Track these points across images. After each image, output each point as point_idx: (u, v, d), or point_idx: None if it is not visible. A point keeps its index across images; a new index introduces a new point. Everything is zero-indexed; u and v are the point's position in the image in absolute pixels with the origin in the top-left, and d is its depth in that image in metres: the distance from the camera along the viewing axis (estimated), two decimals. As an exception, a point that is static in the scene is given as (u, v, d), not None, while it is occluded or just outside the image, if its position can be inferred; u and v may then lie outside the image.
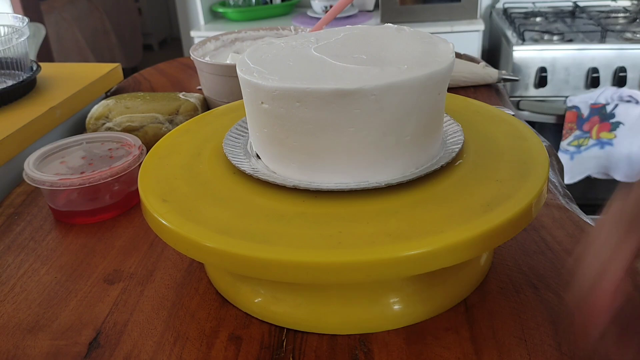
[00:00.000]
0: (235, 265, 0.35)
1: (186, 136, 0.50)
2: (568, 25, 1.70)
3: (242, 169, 0.42)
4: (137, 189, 0.57)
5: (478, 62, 0.89)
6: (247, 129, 0.47)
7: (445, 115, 0.47)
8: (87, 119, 0.70)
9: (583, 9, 1.80)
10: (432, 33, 0.45)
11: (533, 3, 1.89)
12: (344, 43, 0.44)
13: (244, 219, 0.38)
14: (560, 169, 0.69)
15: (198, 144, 0.48)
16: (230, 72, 0.71)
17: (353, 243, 0.35)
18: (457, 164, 0.42)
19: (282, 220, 0.37)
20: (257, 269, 0.35)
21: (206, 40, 0.82)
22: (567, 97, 1.54)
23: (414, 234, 0.35)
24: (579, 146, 1.55)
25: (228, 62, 0.78)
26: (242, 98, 0.44)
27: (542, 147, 0.44)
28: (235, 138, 0.47)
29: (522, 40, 1.56)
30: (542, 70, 1.53)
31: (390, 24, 0.47)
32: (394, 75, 0.37)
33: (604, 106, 1.49)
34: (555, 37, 1.56)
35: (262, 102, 0.40)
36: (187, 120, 0.68)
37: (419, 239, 0.34)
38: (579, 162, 1.56)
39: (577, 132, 1.54)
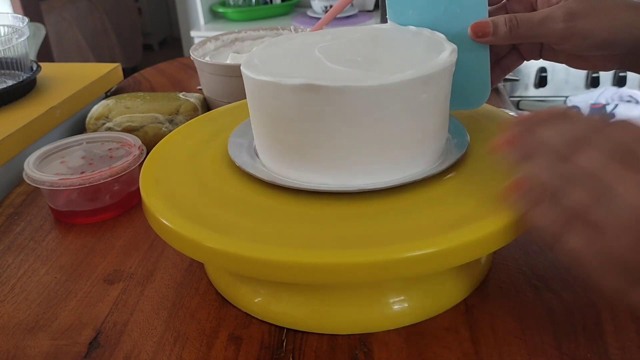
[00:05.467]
0: (237, 265, 0.35)
1: (188, 136, 0.50)
2: (568, 25, 1.70)
3: (248, 170, 0.42)
4: (137, 189, 0.58)
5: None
6: (250, 130, 0.47)
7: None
8: (87, 119, 0.70)
9: (583, 9, 1.80)
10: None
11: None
12: (348, 43, 0.44)
13: (246, 219, 0.38)
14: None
15: (200, 144, 0.48)
16: (230, 72, 0.71)
17: (355, 244, 0.35)
18: (461, 165, 0.42)
19: (283, 220, 0.37)
20: (258, 269, 0.35)
21: (206, 40, 0.82)
22: (567, 97, 1.54)
23: (416, 236, 0.35)
24: (579, 146, 1.55)
25: (228, 62, 0.78)
26: (242, 98, 0.44)
27: None
28: (240, 137, 0.47)
29: (522, 40, 1.56)
30: (542, 70, 1.52)
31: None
32: (394, 75, 0.37)
33: (604, 106, 1.49)
34: (555, 37, 1.56)
35: (270, 100, 0.39)
36: (187, 120, 0.68)
37: (422, 240, 0.34)
38: (579, 162, 1.55)
39: (577, 132, 1.54)
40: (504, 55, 0.46)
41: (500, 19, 0.41)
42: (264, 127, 0.42)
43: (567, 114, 0.34)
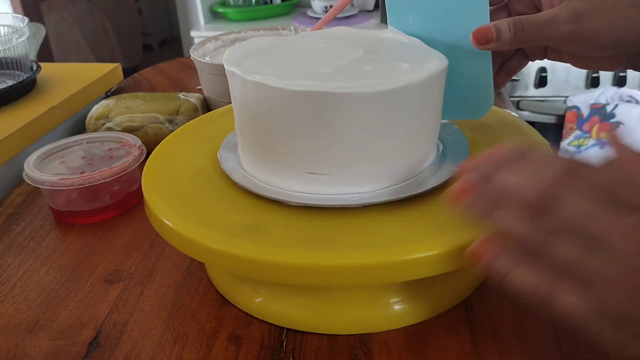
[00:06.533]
0: (239, 266, 0.35)
1: (190, 136, 0.50)
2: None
3: (243, 184, 0.41)
4: (137, 189, 0.58)
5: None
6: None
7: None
8: (87, 119, 0.70)
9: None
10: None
11: (533, 3, 1.89)
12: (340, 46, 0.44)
13: (248, 220, 0.38)
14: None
15: (201, 144, 0.48)
16: (230, 72, 0.71)
17: (355, 246, 0.35)
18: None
19: (285, 223, 0.37)
20: (259, 270, 0.35)
21: (206, 40, 0.82)
22: (567, 97, 1.54)
23: (416, 238, 0.35)
24: (579, 146, 1.55)
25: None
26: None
27: (547, 148, 0.44)
28: (231, 149, 0.47)
29: (522, 40, 1.56)
30: (542, 70, 1.53)
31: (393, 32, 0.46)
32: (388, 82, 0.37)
33: (604, 106, 1.49)
34: (555, 37, 1.56)
35: (264, 105, 0.39)
36: (187, 120, 0.68)
37: (421, 243, 0.34)
38: (579, 162, 1.55)
39: (577, 132, 1.54)
40: (509, 58, 0.45)
41: (504, 23, 0.38)
42: (251, 130, 0.41)
43: (526, 155, 0.30)
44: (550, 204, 0.28)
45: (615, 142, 0.31)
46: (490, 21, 0.40)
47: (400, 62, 0.39)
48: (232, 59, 0.41)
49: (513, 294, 0.29)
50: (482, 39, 0.38)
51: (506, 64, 0.46)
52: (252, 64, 0.40)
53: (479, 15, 0.40)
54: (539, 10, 0.41)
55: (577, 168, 0.29)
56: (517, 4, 0.43)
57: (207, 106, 0.76)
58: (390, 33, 0.45)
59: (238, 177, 0.42)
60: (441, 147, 0.45)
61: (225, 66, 0.41)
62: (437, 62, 0.39)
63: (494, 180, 0.30)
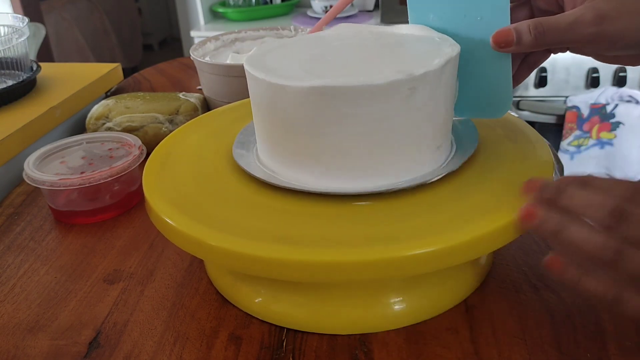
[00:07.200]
0: (239, 263, 0.36)
1: (189, 136, 0.50)
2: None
3: (251, 172, 0.41)
4: (137, 189, 0.58)
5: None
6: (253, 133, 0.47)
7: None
8: (87, 119, 0.70)
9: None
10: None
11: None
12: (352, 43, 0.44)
13: (248, 218, 0.38)
14: (560, 169, 0.69)
15: (201, 143, 0.48)
16: (230, 72, 0.71)
17: (356, 242, 0.35)
18: (462, 166, 0.42)
19: (285, 219, 0.37)
20: (259, 267, 0.35)
21: (206, 40, 0.82)
22: (567, 97, 1.54)
23: (416, 235, 0.35)
24: (579, 146, 1.55)
25: (228, 62, 0.78)
26: (242, 98, 0.44)
27: (546, 148, 0.44)
28: (245, 138, 0.47)
29: (522, 40, 1.55)
30: (542, 70, 1.52)
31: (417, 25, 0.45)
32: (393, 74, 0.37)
33: (604, 106, 1.49)
34: (555, 37, 1.55)
35: (276, 102, 0.39)
36: (187, 120, 0.68)
37: (421, 240, 0.34)
38: (579, 162, 1.56)
39: (577, 132, 1.54)
40: (531, 52, 0.44)
41: (524, 26, 0.37)
42: (267, 128, 0.42)
43: (591, 180, 0.34)
44: (623, 218, 0.31)
45: None
46: (511, 18, 0.39)
47: (412, 54, 0.40)
48: (252, 61, 0.41)
49: (587, 297, 0.33)
50: (502, 42, 0.38)
51: (528, 58, 0.45)
52: (272, 65, 0.40)
53: (499, 16, 0.39)
54: (561, 7, 0.40)
55: (634, 192, 0.32)
56: (539, 0, 0.42)
57: (207, 106, 0.76)
58: (406, 28, 0.45)
59: (256, 170, 0.42)
60: (454, 146, 0.44)
61: (246, 69, 0.41)
62: (448, 51, 0.39)
63: (565, 197, 0.33)
